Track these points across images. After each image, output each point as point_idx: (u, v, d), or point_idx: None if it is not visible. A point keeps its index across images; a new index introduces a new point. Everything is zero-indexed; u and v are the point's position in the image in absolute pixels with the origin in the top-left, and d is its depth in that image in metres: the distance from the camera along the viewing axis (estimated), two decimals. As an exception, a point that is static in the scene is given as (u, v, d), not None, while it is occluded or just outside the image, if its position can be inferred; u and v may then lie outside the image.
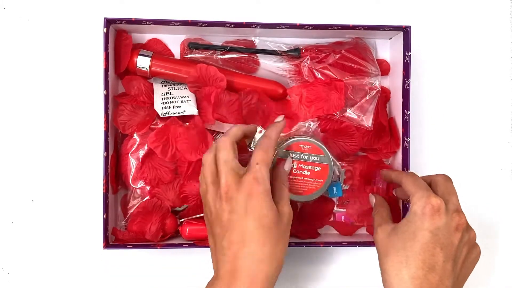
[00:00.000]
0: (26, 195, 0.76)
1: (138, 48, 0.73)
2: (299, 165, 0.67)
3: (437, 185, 0.61)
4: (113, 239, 0.71)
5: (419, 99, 0.79)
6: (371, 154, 0.75)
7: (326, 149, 0.68)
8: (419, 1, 0.80)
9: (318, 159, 0.67)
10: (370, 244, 0.71)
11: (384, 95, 0.76)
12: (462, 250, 0.58)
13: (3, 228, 0.76)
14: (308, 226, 0.76)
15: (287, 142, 0.67)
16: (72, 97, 0.76)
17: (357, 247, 0.73)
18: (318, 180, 0.68)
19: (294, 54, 0.74)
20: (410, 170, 0.71)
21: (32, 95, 0.76)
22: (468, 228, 0.59)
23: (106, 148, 0.68)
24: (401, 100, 0.73)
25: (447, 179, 0.61)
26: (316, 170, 0.68)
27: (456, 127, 0.81)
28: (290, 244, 0.71)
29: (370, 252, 0.78)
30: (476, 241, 0.61)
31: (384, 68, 0.77)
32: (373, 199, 0.69)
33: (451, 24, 0.81)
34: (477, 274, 0.80)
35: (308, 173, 0.68)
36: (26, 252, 0.76)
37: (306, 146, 0.67)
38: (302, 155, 0.68)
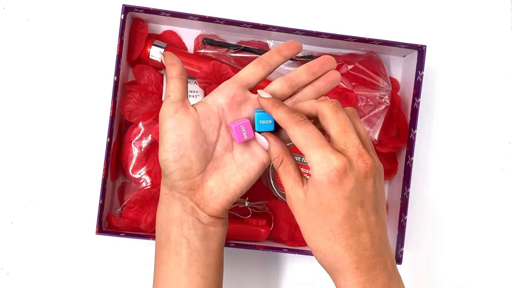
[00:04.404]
0: (26, 193, 0.76)
1: (153, 38, 0.74)
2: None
3: (327, 120, 0.51)
4: (107, 225, 0.71)
5: (422, 100, 0.79)
6: (378, 146, 0.74)
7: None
8: (434, 23, 0.81)
9: (319, 165, 0.67)
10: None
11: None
12: (377, 191, 0.51)
13: (2, 228, 0.76)
14: (298, 233, 0.76)
15: (289, 144, 0.67)
16: (80, 84, 0.76)
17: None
18: (317, 186, 0.67)
19: (307, 60, 0.74)
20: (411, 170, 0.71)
21: (34, 93, 0.76)
22: (373, 164, 0.50)
23: (110, 134, 0.68)
24: (408, 118, 0.73)
25: (336, 109, 0.51)
26: (316, 175, 0.67)
27: (456, 126, 0.81)
28: (282, 250, 0.71)
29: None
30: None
31: (394, 86, 0.77)
32: (263, 140, 0.55)
33: (463, 46, 0.82)
34: (478, 274, 0.80)
35: (308, 177, 0.67)
36: (26, 253, 0.76)
37: (309, 150, 0.67)
38: (303, 159, 0.67)
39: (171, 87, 0.55)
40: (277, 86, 0.57)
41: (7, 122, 0.76)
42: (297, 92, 0.58)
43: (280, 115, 0.52)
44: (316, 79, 0.57)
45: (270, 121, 0.54)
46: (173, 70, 0.56)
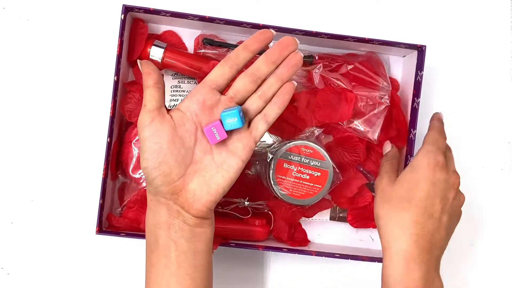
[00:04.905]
0: (26, 193, 0.76)
1: (153, 39, 0.74)
2: (299, 168, 0.67)
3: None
4: (107, 225, 0.71)
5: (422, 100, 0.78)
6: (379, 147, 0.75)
7: (327, 155, 0.67)
8: (434, 22, 0.81)
9: (319, 164, 0.67)
10: (363, 258, 0.71)
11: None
12: (454, 208, 0.62)
13: (3, 228, 0.76)
14: (297, 233, 0.76)
15: (289, 144, 0.67)
16: (80, 84, 0.76)
17: (349, 260, 0.72)
18: (316, 186, 0.67)
19: (307, 60, 0.74)
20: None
21: (34, 93, 0.76)
22: (460, 191, 0.63)
23: (110, 134, 0.68)
24: (408, 118, 0.73)
25: (447, 146, 0.66)
26: (316, 175, 0.67)
27: (456, 126, 0.81)
28: (282, 250, 0.71)
29: (361, 267, 0.78)
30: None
31: (393, 86, 0.77)
32: (388, 147, 0.71)
33: (463, 46, 0.82)
34: (478, 274, 0.81)
35: (307, 177, 0.68)
36: (26, 252, 0.76)
37: (308, 150, 0.67)
38: (303, 159, 0.67)
39: (147, 96, 0.56)
40: (240, 84, 0.58)
41: (7, 122, 0.76)
42: (261, 84, 0.58)
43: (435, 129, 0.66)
44: (278, 66, 0.58)
45: (236, 119, 0.55)
46: (149, 79, 0.57)
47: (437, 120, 0.68)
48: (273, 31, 0.58)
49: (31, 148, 0.76)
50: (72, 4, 0.76)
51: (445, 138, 0.67)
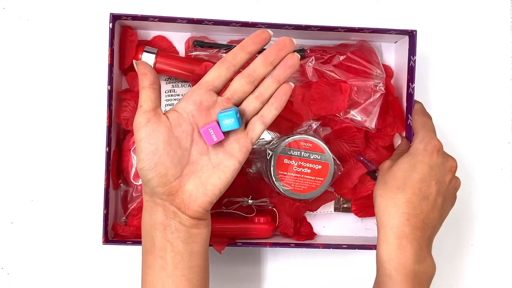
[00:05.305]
0: (26, 194, 0.76)
1: (143, 45, 0.74)
2: (299, 162, 0.67)
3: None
4: (113, 234, 0.71)
5: (419, 98, 0.78)
6: (378, 139, 0.75)
7: (326, 147, 0.67)
8: (424, 6, 0.80)
9: (319, 157, 0.67)
10: (370, 247, 0.71)
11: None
12: (450, 191, 0.64)
13: (3, 228, 0.76)
14: (303, 227, 0.76)
15: (288, 139, 0.67)
16: (76, 92, 0.76)
17: (357, 250, 0.72)
18: (318, 179, 0.68)
19: (299, 54, 0.73)
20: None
21: (33, 94, 0.76)
22: (457, 176, 0.65)
23: (109, 144, 0.68)
24: (404, 104, 0.73)
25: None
26: (317, 168, 0.67)
27: (456, 126, 0.81)
28: (289, 245, 0.71)
29: (368, 256, 0.78)
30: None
31: (387, 73, 0.77)
32: (398, 140, 0.72)
33: (455, 29, 0.81)
34: (477, 275, 0.80)
35: (309, 171, 0.68)
36: (26, 252, 0.76)
37: (307, 144, 0.67)
38: (302, 153, 0.67)
39: (143, 97, 0.56)
40: (237, 85, 0.58)
41: (6, 123, 0.76)
42: (258, 85, 0.59)
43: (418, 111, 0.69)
44: (275, 67, 0.58)
45: (233, 120, 0.55)
46: (145, 80, 0.57)
47: (416, 104, 0.70)
48: (270, 31, 0.58)
49: (32, 160, 0.76)
50: (72, 4, 0.76)
51: (430, 118, 0.68)
